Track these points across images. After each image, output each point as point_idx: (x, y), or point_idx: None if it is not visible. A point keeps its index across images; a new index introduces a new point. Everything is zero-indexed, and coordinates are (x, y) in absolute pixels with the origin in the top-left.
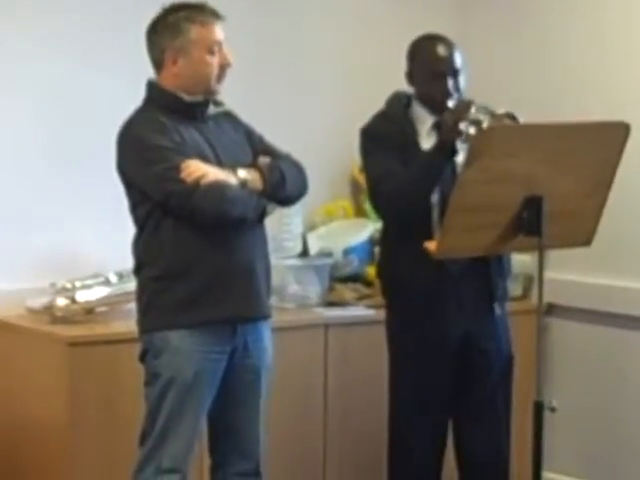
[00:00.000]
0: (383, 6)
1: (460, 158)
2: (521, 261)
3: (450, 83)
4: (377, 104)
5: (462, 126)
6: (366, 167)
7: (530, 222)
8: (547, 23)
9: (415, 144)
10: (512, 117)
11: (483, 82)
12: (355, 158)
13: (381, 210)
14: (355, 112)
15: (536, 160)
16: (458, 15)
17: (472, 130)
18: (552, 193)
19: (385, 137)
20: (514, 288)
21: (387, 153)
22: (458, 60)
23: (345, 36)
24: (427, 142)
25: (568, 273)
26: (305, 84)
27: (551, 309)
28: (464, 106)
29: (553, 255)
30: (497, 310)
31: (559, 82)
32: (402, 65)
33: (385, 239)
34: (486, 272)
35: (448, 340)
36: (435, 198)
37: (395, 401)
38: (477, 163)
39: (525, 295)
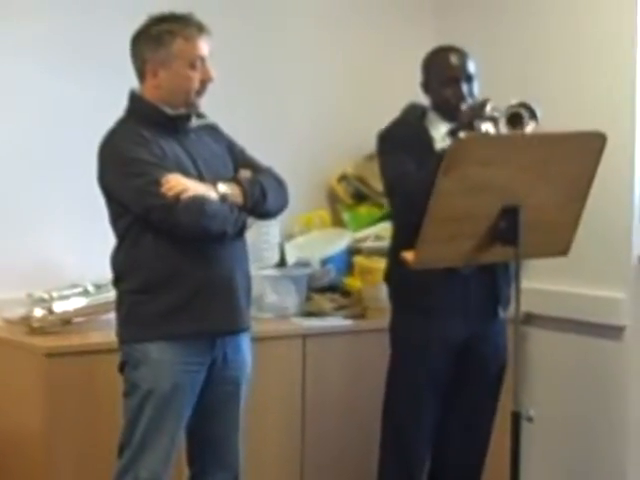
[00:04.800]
0: (364, 12)
1: None
2: None
3: (464, 88)
4: (356, 115)
5: (478, 124)
6: (383, 168)
7: (507, 232)
8: (523, 31)
9: (430, 147)
10: (527, 106)
11: None
12: (333, 168)
13: (400, 209)
14: (333, 123)
15: (513, 170)
16: (432, 16)
17: (489, 127)
18: (529, 203)
19: (401, 139)
20: None
21: (403, 154)
22: (472, 67)
23: (324, 48)
24: (442, 145)
25: (545, 283)
26: (284, 94)
27: (528, 318)
28: (480, 104)
29: (530, 264)
30: (501, 314)
31: (535, 90)
32: (381, 77)
33: (395, 242)
34: (493, 277)
35: (451, 343)
36: None
37: (393, 400)
38: (454, 173)
39: None
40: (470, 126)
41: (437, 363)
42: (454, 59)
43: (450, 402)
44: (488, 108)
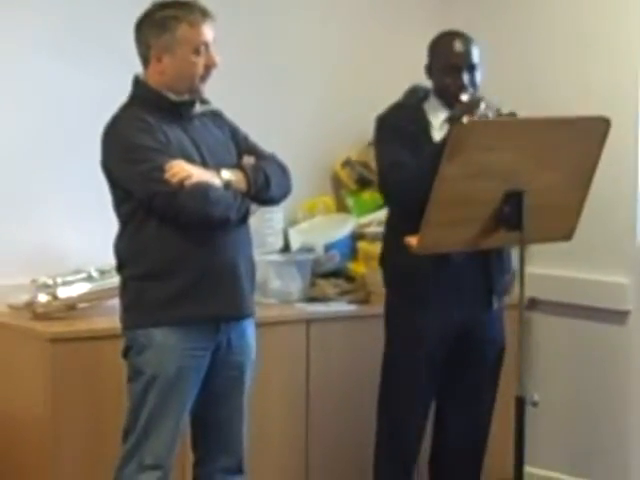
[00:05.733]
0: (366, 4)
1: None
2: None
3: (466, 77)
4: (359, 100)
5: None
6: (377, 155)
7: (511, 217)
8: (529, 18)
9: (427, 136)
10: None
11: None
12: (337, 153)
13: (390, 198)
14: (337, 108)
15: (517, 155)
16: (440, 11)
17: None
18: (533, 188)
19: (398, 127)
20: None
21: (399, 142)
22: (475, 55)
23: (328, 33)
24: (439, 135)
25: (550, 267)
26: (287, 81)
27: (533, 304)
28: (474, 102)
29: (535, 249)
30: (495, 304)
31: (540, 77)
32: (384, 62)
33: (389, 228)
34: (486, 266)
35: (445, 328)
36: None
37: (388, 384)
38: (458, 157)
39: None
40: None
41: (431, 348)
42: (458, 46)
43: (450, 388)
44: (482, 107)
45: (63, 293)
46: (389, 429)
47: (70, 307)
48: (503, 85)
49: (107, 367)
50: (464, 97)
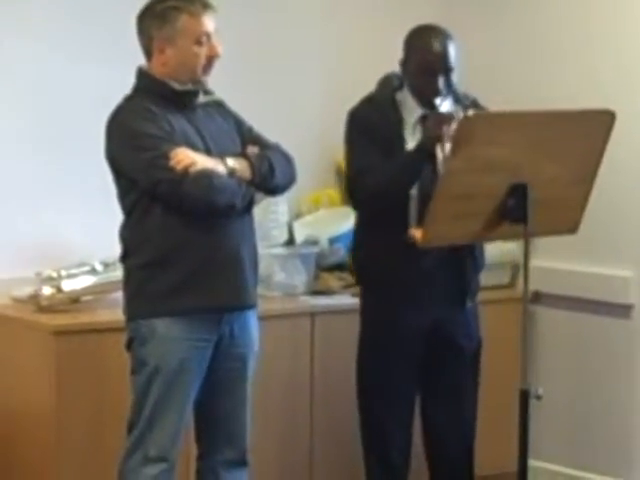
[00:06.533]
0: None
1: (440, 155)
2: (507, 249)
3: (441, 81)
4: (363, 93)
5: (444, 138)
6: (347, 155)
7: (515, 210)
8: (529, 10)
9: (399, 136)
10: None
11: (465, 70)
12: (341, 146)
13: (356, 203)
14: (342, 100)
15: (521, 148)
16: (441, 3)
17: (448, 145)
18: (537, 181)
19: (370, 126)
20: (501, 276)
21: (370, 144)
22: (452, 57)
23: (331, 26)
24: (411, 135)
25: (554, 261)
26: (292, 73)
27: (537, 297)
28: (446, 119)
29: (539, 243)
30: (468, 303)
31: (546, 70)
32: (388, 54)
33: (359, 229)
34: (459, 266)
35: (418, 328)
36: (413, 190)
37: (362, 384)
38: (462, 151)
39: (511, 283)
40: (435, 139)
41: (404, 347)
42: (435, 47)
43: (431, 387)
44: (453, 126)
45: (67, 286)
46: (372, 433)
47: (74, 300)
48: (508, 79)
49: (111, 360)
50: (437, 101)
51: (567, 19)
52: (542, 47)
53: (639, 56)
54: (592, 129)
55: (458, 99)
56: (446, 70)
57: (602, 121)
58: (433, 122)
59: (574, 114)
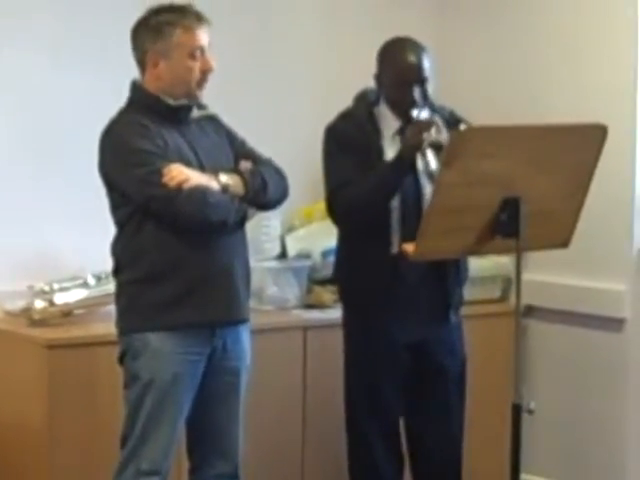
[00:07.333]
0: (367, 5)
1: (421, 166)
2: (499, 263)
3: (416, 92)
4: None
5: (422, 146)
6: (325, 170)
7: (508, 224)
8: (520, 23)
9: (378, 149)
10: None
11: (456, 82)
12: None
13: (337, 218)
14: (334, 114)
15: (514, 161)
16: (434, 16)
17: (429, 151)
18: (530, 194)
19: (348, 140)
20: (492, 290)
21: (348, 158)
22: (427, 67)
23: (324, 39)
24: (390, 147)
25: (546, 275)
26: (284, 87)
27: (529, 311)
28: (425, 126)
29: (531, 257)
30: (452, 318)
31: (537, 84)
32: None
33: (342, 243)
34: (443, 280)
35: (402, 344)
36: (395, 203)
37: (348, 399)
38: (455, 165)
39: (503, 297)
40: (415, 147)
41: (391, 362)
42: (410, 59)
43: (417, 406)
44: (433, 131)
45: (60, 299)
46: (358, 447)
47: (66, 313)
48: (500, 92)
49: (103, 373)
50: (414, 113)
51: (558, 33)
52: (533, 61)
53: (630, 69)
54: (584, 143)
55: (434, 110)
56: (421, 81)
57: (594, 135)
58: (412, 130)
59: (566, 128)
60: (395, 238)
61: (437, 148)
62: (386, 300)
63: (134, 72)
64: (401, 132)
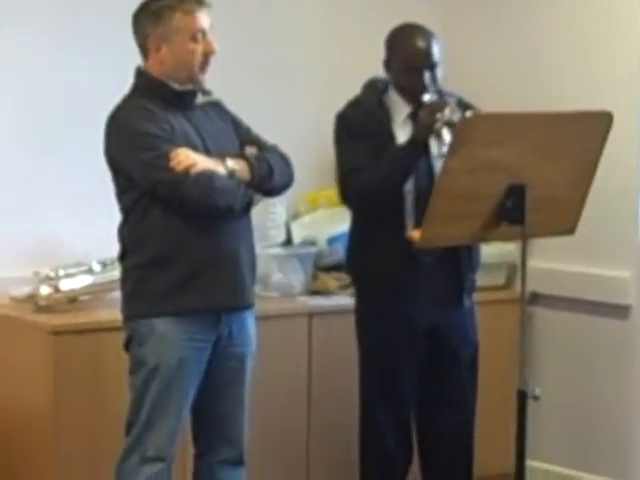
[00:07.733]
0: None
1: (435, 150)
2: (504, 250)
3: (427, 77)
4: None
5: (436, 126)
6: (337, 156)
7: (513, 210)
8: (527, 12)
9: (389, 134)
10: None
11: (463, 71)
12: None
13: (349, 203)
14: (339, 101)
15: (520, 148)
16: (441, 4)
17: (445, 131)
18: (535, 181)
19: (359, 126)
20: (497, 277)
21: (359, 144)
22: (436, 52)
23: (328, 26)
24: (402, 131)
25: (552, 262)
26: (289, 73)
27: (535, 298)
28: (439, 106)
29: (537, 244)
30: (466, 302)
31: (543, 72)
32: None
33: (355, 228)
34: (457, 264)
35: (416, 330)
36: (409, 187)
37: (363, 387)
38: (461, 151)
39: (508, 284)
40: (429, 128)
41: (408, 348)
42: (419, 44)
43: (429, 393)
44: (447, 112)
45: (65, 285)
46: (371, 434)
47: (72, 299)
48: (507, 81)
49: (109, 359)
50: (426, 97)
51: (565, 21)
52: (540, 49)
53: (637, 58)
54: (590, 130)
55: (443, 96)
56: (431, 65)
57: (600, 122)
58: (426, 111)
59: (572, 115)
60: (409, 222)
61: (452, 127)
62: (403, 284)
63: (135, 54)
64: (413, 116)
